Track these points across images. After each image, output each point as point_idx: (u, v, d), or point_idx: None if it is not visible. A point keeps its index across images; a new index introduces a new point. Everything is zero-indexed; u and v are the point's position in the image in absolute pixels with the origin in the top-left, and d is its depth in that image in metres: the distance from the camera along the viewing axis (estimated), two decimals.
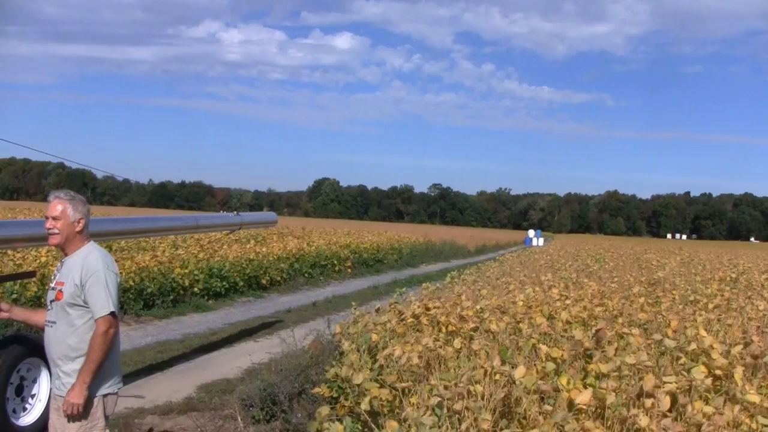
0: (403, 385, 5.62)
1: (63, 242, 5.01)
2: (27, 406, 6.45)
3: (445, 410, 4.68)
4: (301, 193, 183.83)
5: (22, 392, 6.26)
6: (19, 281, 13.05)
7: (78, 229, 5.00)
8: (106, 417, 5.04)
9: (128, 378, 10.39)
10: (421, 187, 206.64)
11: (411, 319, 8.36)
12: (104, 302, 4.83)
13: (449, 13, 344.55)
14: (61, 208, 4.96)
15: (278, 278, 23.17)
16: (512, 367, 5.22)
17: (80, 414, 4.82)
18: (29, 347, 5.45)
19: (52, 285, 5.07)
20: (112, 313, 4.86)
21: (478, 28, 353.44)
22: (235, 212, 12.58)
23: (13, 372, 6.04)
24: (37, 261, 16.23)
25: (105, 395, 5.00)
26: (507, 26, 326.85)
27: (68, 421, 4.89)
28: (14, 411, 6.11)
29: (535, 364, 5.64)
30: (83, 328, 4.92)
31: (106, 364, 4.93)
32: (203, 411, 8.86)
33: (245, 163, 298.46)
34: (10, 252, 16.47)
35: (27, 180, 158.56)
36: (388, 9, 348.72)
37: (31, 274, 10.07)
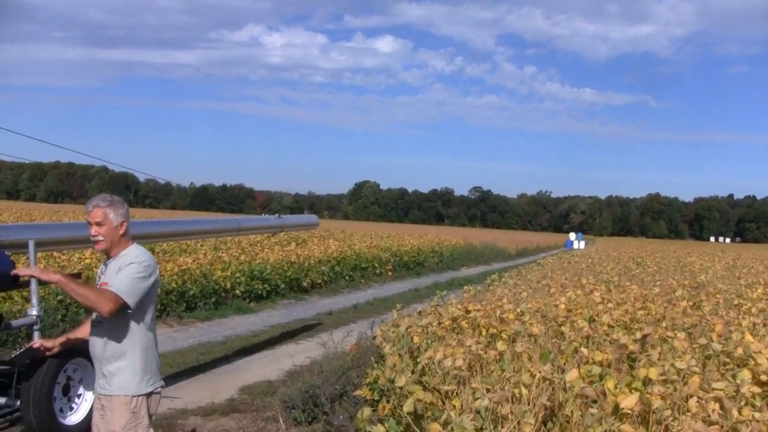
0: (446, 387, 5.60)
1: (108, 247, 5.05)
2: (73, 405, 6.51)
3: (488, 414, 4.66)
4: (342, 196, 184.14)
5: (69, 392, 6.33)
6: None
7: (121, 232, 5.04)
8: (150, 416, 5.08)
9: (171, 379, 10.47)
10: (461, 189, 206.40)
11: (450, 322, 8.34)
12: (123, 289, 4.80)
13: (492, 15, 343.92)
14: (103, 214, 4.99)
15: (319, 281, 23.22)
16: (557, 371, 5.19)
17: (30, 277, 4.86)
18: (76, 348, 5.50)
19: (97, 286, 5.11)
20: (125, 303, 4.83)
21: (520, 30, 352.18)
22: (277, 215, 12.63)
23: (60, 372, 6.11)
24: (82, 263, 16.40)
25: (148, 394, 5.03)
26: (549, 28, 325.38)
27: (118, 422, 4.93)
28: (61, 410, 6.18)
29: (578, 368, 5.60)
30: (126, 329, 4.96)
31: (146, 363, 4.99)
32: (245, 412, 8.89)
33: (286, 166, 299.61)
34: (55, 253, 16.69)
35: (71, 183, 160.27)
36: (430, 11, 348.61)
37: (76, 276, 10.16)
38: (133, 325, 4.95)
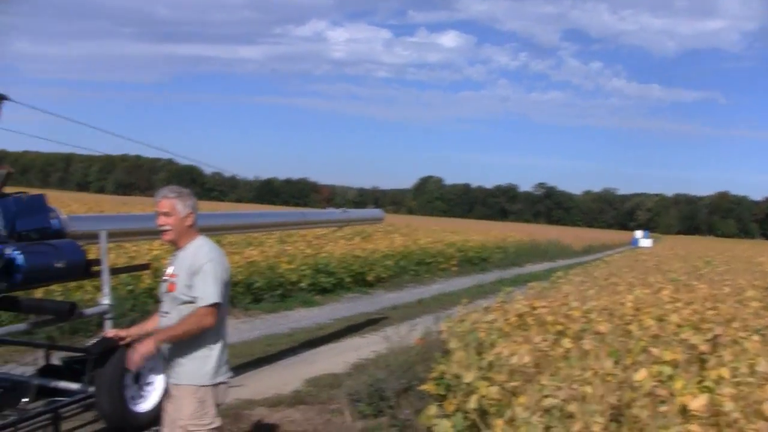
0: (513, 384, 5.59)
1: (175, 237, 5.13)
2: (144, 393, 6.62)
3: (556, 411, 4.64)
4: (406, 191, 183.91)
5: (140, 380, 6.44)
6: (133, 273, 13.41)
7: (188, 223, 5.12)
8: (217, 405, 5.14)
9: (237, 370, 10.56)
10: (525, 185, 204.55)
11: (516, 319, 8.31)
12: (209, 292, 4.92)
13: (556, 11, 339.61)
14: (171, 205, 5.08)
15: (384, 275, 23.26)
16: (625, 370, 5.14)
17: (141, 359, 4.94)
18: (148, 337, 5.60)
19: (165, 277, 5.20)
20: (215, 304, 4.95)
21: (585, 26, 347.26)
22: (342, 209, 12.68)
23: None
24: (150, 254, 16.65)
25: (215, 384, 5.09)
26: (615, 23, 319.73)
27: (186, 410, 5.01)
28: (132, 397, 6.29)
29: (646, 367, 5.53)
30: None
31: (216, 352, 5.05)
32: (311, 404, 8.95)
33: (350, 161, 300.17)
34: (125, 244, 16.96)
35: (139, 176, 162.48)
36: (494, 6, 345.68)
37: (145, 267, 10.34)
38: None
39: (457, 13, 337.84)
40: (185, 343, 5.02)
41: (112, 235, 7.36)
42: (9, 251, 5.91)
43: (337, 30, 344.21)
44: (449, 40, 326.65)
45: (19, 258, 5.92)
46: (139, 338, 5.72)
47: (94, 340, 6.10)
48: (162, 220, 5.11)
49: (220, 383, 5.12)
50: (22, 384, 6.90)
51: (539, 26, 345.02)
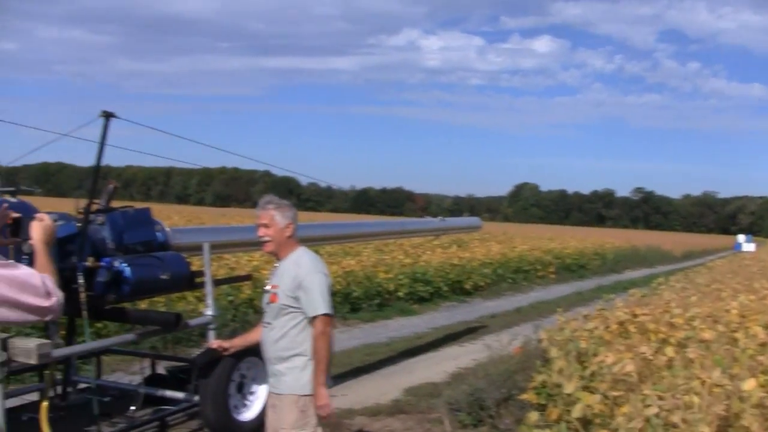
0: (615, 393, 5.51)
1: (276, 249, 5.21)
2: (247, 402, 6.73)
3: (660, 422, 4.56)
4: (501, 198, 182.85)
5: (243, 389, 6.55)
6: (234, 284, 13.64)
7: (288, 234, 5.17)
8: (318, 415, 5.19)
9: (336, 379, 10.57)
10: (623, 191, 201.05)
11: (617, 326, 8.20)
12: (319, 303, 4.99)
13: (652, 12, 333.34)
14: (270, 216, 5.15)
15: (482, 283, 23.15)
16: (731, 379, 5.03)
17: (334, 412, 5.01)
18: (250, 347, 5.71)
19: (267, 288, 5.28)
20: (325, 314, 5.01)
21: (682, 26, 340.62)
22: (440, 217, 12.68)
23: (235, 370, 6.32)
24: (249, 265, 16.90)
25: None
26: (714, 22, 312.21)
27: (287, 420, 5.07)
28: (236, 407, 6.40)
29: (756, 377, 5.40)
30: (295, 329, 5.09)
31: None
32: (411, 414, 8.95)
33: (444, 169, 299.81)
34: (225, 256, 17.26)
35: (237, 187, 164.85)
36: (588, 10, 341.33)
37: (247, 278, 10.51)
38: (301, 327, 5.07)
39: (551, 18, 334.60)
40: (286, 353, 5.09)
41: (214, 247, 7.50)
42: (117, 264, 6.08)
43: (430, 38, 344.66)
44: (543, 45, 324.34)
45: (127, 270, 6.09)
46: (243, 346, 5.85)
47: (199, 351, 6.23)
48: (262, 231, 5.19)
49: None
50: (130, 393, 7.10)
51: (634, 28, 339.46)
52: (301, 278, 5.03)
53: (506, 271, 25.86)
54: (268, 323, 5.21)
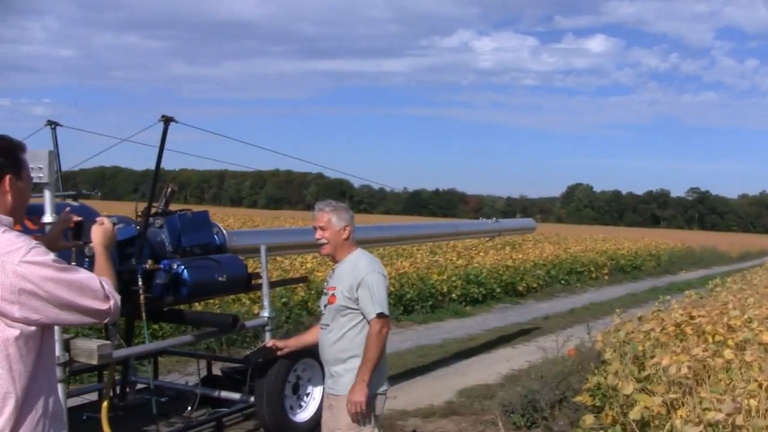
0: (672, 396, 5.47)
1: (332, 251, 5.25)
2: (302, 403, 6.79)
3: (719, 425, 4.53)
4: (554, 199, 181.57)
5: (299, 390, 6.61)
6: (288, 286, 13.76)
7: (344, 236, 5.20)
8: (375, 417, 5.21)
9: (390, 380, 10.59)
10: (678, 191, 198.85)
11: (673, 328, 8.12)
12: (376, 304, 5.01)
13: (708, 9, 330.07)
14: (327, 219, 5.18)
15: (535, 285, 23.08)
16: None
17: (362, 411, 5.02)
18: (305, 348, 5.77)
19: (325, 290, 5.32)
20: (382, 314, 5.04)
21: (740, 23, 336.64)
22: (494, 219, 12.66)
23: (290, 371, 6.38)
24: (304, 267, 17.01)
25: (373, 395, 5.15)
26: None
27: (348, 419, 5.11)
28: (291, 408, 6.46)
29: None
30: (353, 331, 5.11)
31: (384, 361, 5.16)
32: (464, 415, 8.96)
33: (497, 170, 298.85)
34: (278, 258, 17.41)
35: (289, 190, 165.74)
36: (642, 8, 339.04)
37: (303, 280, 10.59)
38: (359, 328, 5.09)
39: (605, 17, 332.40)
40: (344, 354, 5.13)
41: (270, 249, 7.57)
42: (175, 266, 6.17)
43: (483, 39, 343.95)
44: (597, 44, 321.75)
45: (185, 273, 6.17)
46: (298, 347, 5.90)
47: (253, 350, 6.29)
48: (319, 233, 5.23)
49: (377, 394, 5.20)
50: (187, 393, 7.20)
51: (690, 26, 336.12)
52: (359, 279, 5.05)
53: (559, 273, 25.73)
54: (326, 325, 5.25)
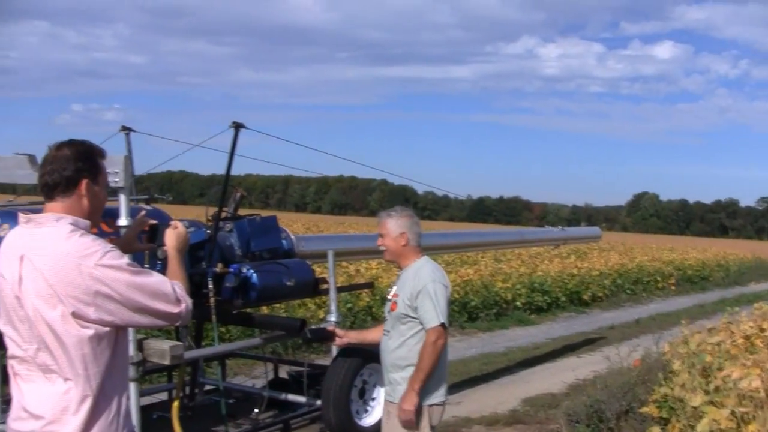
0: (743, 409, 5.41)
1: (393, 258, 5.30)
2: (368, 408, 6.84)
3: None
4: (620, 208, 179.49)
5: (365, 395, 6.65)
6: (353, 291, 13.84)
7: (402, 243, 5.21)
8: (432, 427, 5.19)
9: (453, 388, 10.68)
10: (748, 200, 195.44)
11: (744, 341, 8.02)
12: (433, 314, 4.97)
13: None
14: (385, 226, 5.24)
15: (600, 294, 22.86)
16: None
17: (411, 420, 5.03)
18: (372, 353, 5.81)
19: (389, 297, 5.35)
20: (441, 325, 4.99)
21: None
22: (560, 227, 12.60)
23: (356, 376, 6.43)
24: (369, 273, 17.08)
25: (430, 405, 5.13)
26: None
27: (401, 427, 5.13)
28: (357, 412, 6.50)
29: None
30: (413, 339, 5.10)
31: (434, 375, 5.09)
32: (528, 424, 8.93)
33: (562, 178, 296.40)
34: (344, 263, 17.51)
35: (354, 196, 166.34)
36: (712, 13, 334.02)
37: (369, 285, 10.68)
38: (419, 337, 5.08)
39: (672, 23, 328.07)
40: (403, 362, 5.13)
41: (338, 255, 7.63)
42: (245, 270, 6.26)
43: (549, 46, 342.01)
44: (664, 50, 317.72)
45: (254, 276, 6.26)
46: (357, 342, 5.95)
47: (313, 329, 6.34)
48: (379, 240, 5.30)
49: (434, 405, 5.17)
50: (254, 396, 7.30)
51: (762, 31, 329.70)
52: (419, 288, 5.05)
53: (625, 282, 25.44)
54: (387, 331, 5.27)
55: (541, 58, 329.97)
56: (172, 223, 3.78)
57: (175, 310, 3.15)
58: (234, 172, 6.61)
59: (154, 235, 3.96)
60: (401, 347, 5.15)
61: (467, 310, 16.94)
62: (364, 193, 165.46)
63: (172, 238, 3.61)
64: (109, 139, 7.25)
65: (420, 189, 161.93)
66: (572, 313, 20.45)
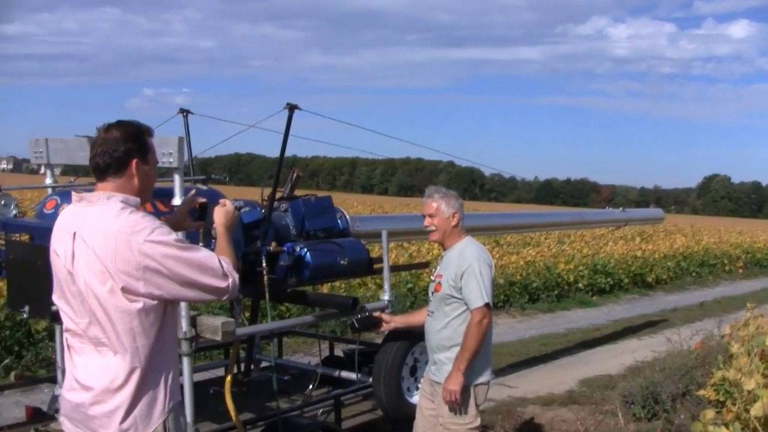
0: None
1: (441, 238, 5.32)
2: (419, 385, 6.88)
3: None
4: (690, 190, 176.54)
5: (416, 373, 6.69)
6: (413, 271, 13.90)
7: (453, 223, 5.26)
8: (477, 406, 5.24)
9: (512, 368, 10.76)
10: None
11: None
12: (478, 294, 5.01)
13: None
14: (436, 206, 5.26)
15: (664, 276, 22.62)
16: None
17: (457, 400, 5.07)
18: (422, 332, 5.86)
19: (433, 277, 5.40)
20: (486, 305, 5.03)
21: None
22: (621, 208, 12.47)
23: (408, 354, 6.47)
24: (430, 253, 17.14)
25: (476, 385, 5.19)
26: None
27: (447, 407, 5.18)
28: (408, 389, 6.55)
29: None
30: (457, 320, 5.16)
31: (479, 355, 5.13)
32: (584, 405, 8.92)
33: (631, 160, 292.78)
34: (405, 244, 17.60)
35: (420, 178, 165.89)
36: None
37: (424, 265, 10.71)
38: (463, 318, 5.14)
39: (748, 0, 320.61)
40: (448, 343, 5.20)
41: (392, 235, 7.67)
42: (298, 249, 6.34)
43: (619, 26, 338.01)
44: (739, 30, 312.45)
45: (307, 255, 6.33)
46: (404, 326, 6.03)
47: (359, 318, 6.41)
48: (428, 221, 5.32)
49: (478, 385, 5.22)
50: (308, 372, 7.41)
51: None
52: (464, 268, 5.08)
53: (690, 265, 25.12)
54: (432, 312, 5.34)
55: (611, 39, 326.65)
56: (221, 201, 3.87)
57: (222, 284, 3.24)
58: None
59: (204, 213, 4.05)
60: (446, 328, 5.22)
61: (528, 291, 16.93)
62: (430, 175, 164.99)
63: (220, 215, 3.71)
64: (167, 121, 7.39)
65: (487, 171, 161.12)
66: (635, 295, 20.30)
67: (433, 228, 5.30)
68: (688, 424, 7.28)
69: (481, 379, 5.21)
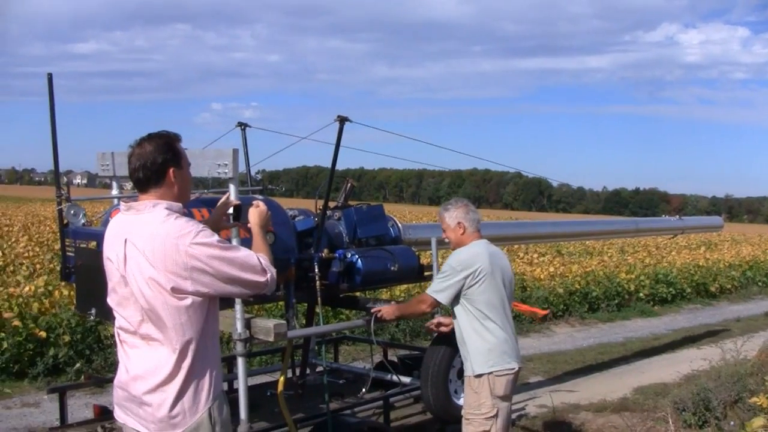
0: None
1: (455, 247, 5.72)
2: None
3: None
4: (763, 199, 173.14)
5: (462, 376, 6.88)
6: None
7: (460, 233, 5.67)
8: (496, 397, 5.42)
9: (567, 376, 10.87)
10: None
11: None
12: (433, 288, 5.60)
13: None
14: (444, 221, 5.76)
15: (729, 286, 22.35)
16: None
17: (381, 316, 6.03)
18: None
19: None
20: (434, 300, 5.59)
21: None
22: (678, 216, 12.44)
23: (455, 356, 6.65)
24: None
25: (490, 373, 5.42)
26: None
27: (466, 399, 5.60)
28: (455, 391, 6.72)
29: None
30: (464, 321, 5.56)
31: (489, 345, 5.43)
32: (635, 411, 8.96)
33: (702, 169, 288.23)
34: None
35: (487, 189, 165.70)
36: None
37: None
38: (462, 314, 5.55)
39: None
40: (460, 340, 5.62)
41: (442, 243, 7.86)
42: (350, 255, 6.57)
43: (690, 32, 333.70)
44: None
45: (359, 261, 6.56)
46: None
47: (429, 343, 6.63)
48: (443, 234, 5.84)
49: (492, 374, 5.42)
50: (362, 376, 7.65)
51: None
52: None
53: (756, 274, 24.74)
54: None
55: (681, 45, 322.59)
56: (255, 202, 4.18)
57: (261, 279, 3.55)
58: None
59: (239, 213, 4.37)
60: (457, 329, 5.67)
61: (588, 301, 16.94)
62: (497, 186, 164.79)
63: (254, 215, 4.03)
64: (226, 134, 7.73)
65: (554, 182, 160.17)
66: (698, 305, 20.10)
67: (447, 240, 5.80)
68: (737, 431, 7.34)
69: (493, 369, 5.42)
